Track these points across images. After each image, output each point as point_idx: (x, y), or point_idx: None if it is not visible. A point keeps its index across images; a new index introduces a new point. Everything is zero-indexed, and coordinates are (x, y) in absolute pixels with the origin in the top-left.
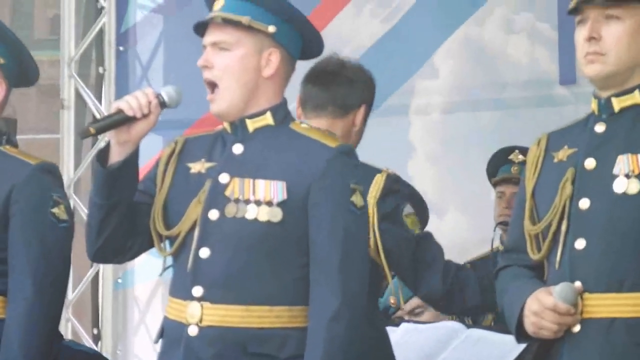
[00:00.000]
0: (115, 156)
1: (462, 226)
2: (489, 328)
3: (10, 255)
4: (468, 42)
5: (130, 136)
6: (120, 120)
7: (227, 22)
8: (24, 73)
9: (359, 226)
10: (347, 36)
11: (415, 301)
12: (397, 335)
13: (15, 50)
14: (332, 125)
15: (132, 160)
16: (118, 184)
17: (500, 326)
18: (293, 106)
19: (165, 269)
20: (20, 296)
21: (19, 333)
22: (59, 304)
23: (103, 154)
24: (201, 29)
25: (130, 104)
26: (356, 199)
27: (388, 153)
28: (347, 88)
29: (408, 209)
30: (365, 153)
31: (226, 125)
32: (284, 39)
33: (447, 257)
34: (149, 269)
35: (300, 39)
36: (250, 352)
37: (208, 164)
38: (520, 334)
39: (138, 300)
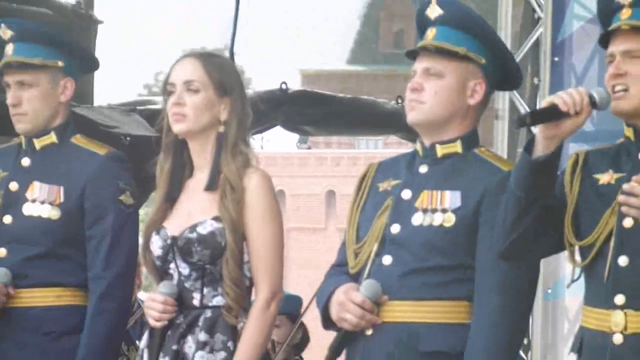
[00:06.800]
0: (540, 150)
1: None
2: None
3: (477, 264)
4: None
5: (557, 131)
6: (554, 115)
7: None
8: (506, 76)
9: None
10: None
11: None
12: None
13: (497, 52)
14: None
15: (555, 157)
16: (540, 179)
17: None
18: None
19: (573, 280)
20: (485, 309)
21: (481, 346)
22: (524, 320)
23: (529, 146)
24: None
25: (564, 100)
26: None
27: None
28: None
29: None
30: None
31: (629, 134)
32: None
33: None
34: (578, 280)
35: (501, 73)
36: None
37: (617, 175)
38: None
39: (568, 311)
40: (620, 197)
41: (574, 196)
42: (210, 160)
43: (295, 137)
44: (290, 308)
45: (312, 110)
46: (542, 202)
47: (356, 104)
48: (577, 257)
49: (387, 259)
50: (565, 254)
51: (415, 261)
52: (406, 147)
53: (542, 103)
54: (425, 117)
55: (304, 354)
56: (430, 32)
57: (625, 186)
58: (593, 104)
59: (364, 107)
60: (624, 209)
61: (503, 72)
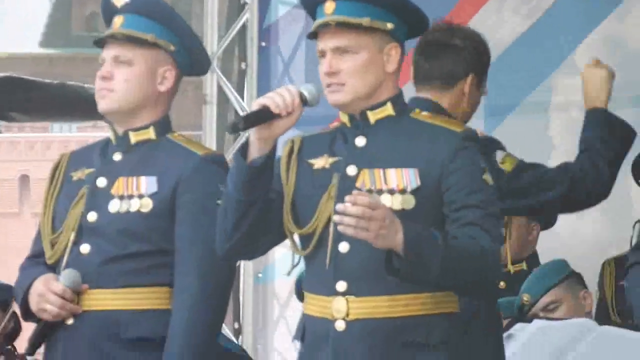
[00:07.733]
0: (255, 152)
1: (602, 225)
2: (622, 326)
3: (176, 248)
4: (609, 39)
5: (271, 133)
6: (266, 117)
7: (346, 26)
8: (195, 62)
9: (494, 201)
10: (488, 32)
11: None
12: (529, 331)
13: (186, 38)
14: (440, 97)
15: (272, 157)
16: (259, 181)
17: (634, 324)
18: None
19: (294, 266)
20: (185, 292)
21: (183, 328)
22: (223, 302)
23: (243, 150)
24: (315, 33)
25: (276, 101)
26: (487, 177)
27: (527, 149)
28: (453, 58)
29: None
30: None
31: (345, 119)
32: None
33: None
34: (289, 264)
35: (190, 59)
36: (400, 341)
37: (332, 159)
38: None
39: (278, 296)
40: (335, 217)
41: (291, 184)
42: None
43: None
44: (0, 297)
45: (19, 97)
46: (261, 202)
47: (63, 90)
48: (299, 244)
49: (85, 248)
50: None
51: (114, 249)
52: (101, 131)
53: (253, 105)
54: (117, 105)
55: (16, 343)
56: (118, 20)
57: (339, 206)
58: (304, 102)
59: (71, 92)
60: (340, 227)
61: (192, 58)
